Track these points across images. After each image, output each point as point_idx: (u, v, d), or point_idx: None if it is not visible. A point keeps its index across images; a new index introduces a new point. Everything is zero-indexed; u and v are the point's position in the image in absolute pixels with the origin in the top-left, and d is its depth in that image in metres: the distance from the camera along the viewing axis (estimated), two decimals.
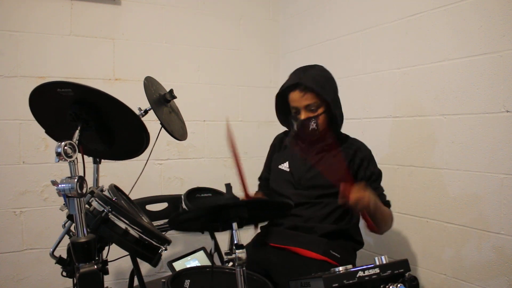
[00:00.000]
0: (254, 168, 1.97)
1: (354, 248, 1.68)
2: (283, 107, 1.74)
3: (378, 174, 1.68)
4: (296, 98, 1.63)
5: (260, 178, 1.94)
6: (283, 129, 1.87)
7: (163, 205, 2.04)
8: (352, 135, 1.76)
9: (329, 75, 1.68)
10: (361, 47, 2.20)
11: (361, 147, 1.70)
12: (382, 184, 1.68)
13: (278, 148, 1.86)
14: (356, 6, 2.23)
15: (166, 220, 1.89)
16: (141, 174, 1.71)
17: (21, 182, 2.15)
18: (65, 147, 1.06)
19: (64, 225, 1.31)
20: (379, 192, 1.65)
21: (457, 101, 1.72)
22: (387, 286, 1.09)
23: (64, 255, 1.29)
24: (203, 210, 1.18)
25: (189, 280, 1.34)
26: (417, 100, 1.89)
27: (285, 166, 1.76)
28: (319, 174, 1.66)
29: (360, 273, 1.08)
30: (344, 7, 2.31)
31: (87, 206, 1.28)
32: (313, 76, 1.63)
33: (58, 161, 1.07)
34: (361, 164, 1.65)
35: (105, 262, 1.40)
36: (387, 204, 1.67)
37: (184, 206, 1.83)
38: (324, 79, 1.65)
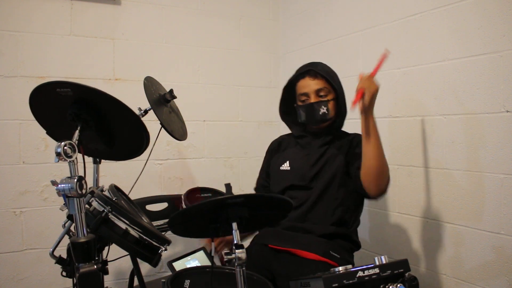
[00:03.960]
0: (254, 167, 1.97)
1: (352, 249, 1.69)
2: (286, 105, 1.79)
3: None
4: (306, 83, 1.69)
5: (256, 189, 1.91)
6: (283, 128, 1.86)
7: (163, 205, 2.04)
8: None
9: (334, 72, 1.77)
10: (361, 47, 2.20)
11: (356, 135, 1.71)
12: None
13: (276, 152, 1.86)
14: (356, 6, 2.22)
15: (166, 220, 1.89)
16: (141, 174, 1.71)
17: (21, 182, 2.15)
18: (65, 147, 1.06)
19: (64, 225, 1.31)
20: None
21: (457, 101, 1.72)
22: (387, 286, 1.09)
23: (64, 255, 1.29)
24: (203, 205, 1.17)
25: (189, 280, 1.34)
26: (417, 100, 1.89)
27: (286, 166, 1.76)
28: (323, 169, 1.66)
29: (360, 273, 1.08)
30: (344, 7, 2.31)
31: (87, 206, 1.28)
32: (323, 66, 1.74)
33: (58, 161, 1.06)
34: (356, 144, 1.65)
35: (105, 262, 1.40)
36: None
37: (184, 206, 1.83)
38: (332, 72, 1.74)
